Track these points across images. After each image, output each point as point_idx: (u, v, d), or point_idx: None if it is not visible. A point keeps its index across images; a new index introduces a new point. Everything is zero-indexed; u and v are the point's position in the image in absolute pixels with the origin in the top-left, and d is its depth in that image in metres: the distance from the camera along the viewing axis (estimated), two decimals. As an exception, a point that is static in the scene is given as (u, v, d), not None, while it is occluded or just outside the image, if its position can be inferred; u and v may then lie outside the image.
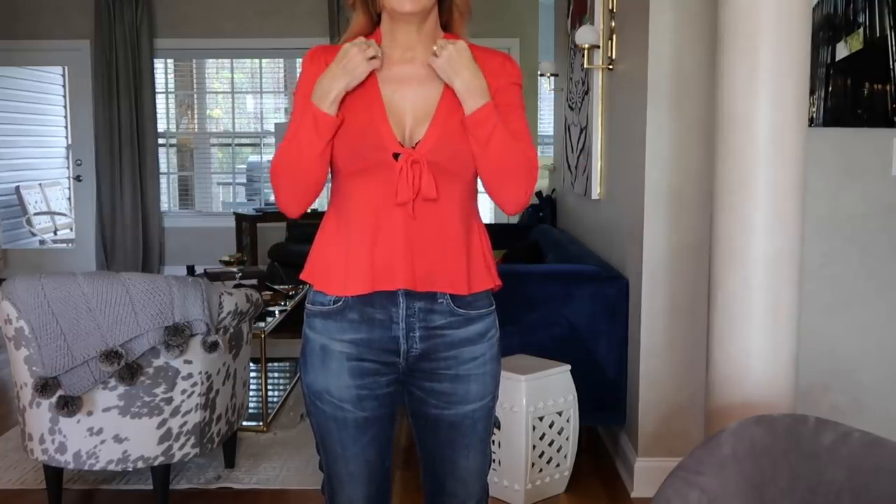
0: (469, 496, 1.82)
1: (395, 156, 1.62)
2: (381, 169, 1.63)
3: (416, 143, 1.64)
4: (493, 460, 3.07)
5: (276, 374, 4.74)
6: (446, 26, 1.73)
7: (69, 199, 8.53)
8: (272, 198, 8.04)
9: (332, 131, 1.62)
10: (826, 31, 2.95)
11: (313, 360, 1.73)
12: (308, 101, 1.64)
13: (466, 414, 1.75)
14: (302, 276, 1.74)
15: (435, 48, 1.64)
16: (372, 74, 1.65)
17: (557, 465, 3.14)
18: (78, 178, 8.04)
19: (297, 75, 1.77)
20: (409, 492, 2.09)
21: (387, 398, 1.74)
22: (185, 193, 8.37)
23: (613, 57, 3.62)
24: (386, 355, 1.71)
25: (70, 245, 8.34)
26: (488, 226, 1.94)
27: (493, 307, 1.79)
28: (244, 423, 3.68)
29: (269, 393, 4.34)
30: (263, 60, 8.10)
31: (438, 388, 1.74)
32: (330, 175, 1.73)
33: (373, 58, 1.63)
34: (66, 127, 8.21)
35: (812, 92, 2.88)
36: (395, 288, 1.67)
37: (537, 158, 1.72)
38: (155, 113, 7.80)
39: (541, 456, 3.07)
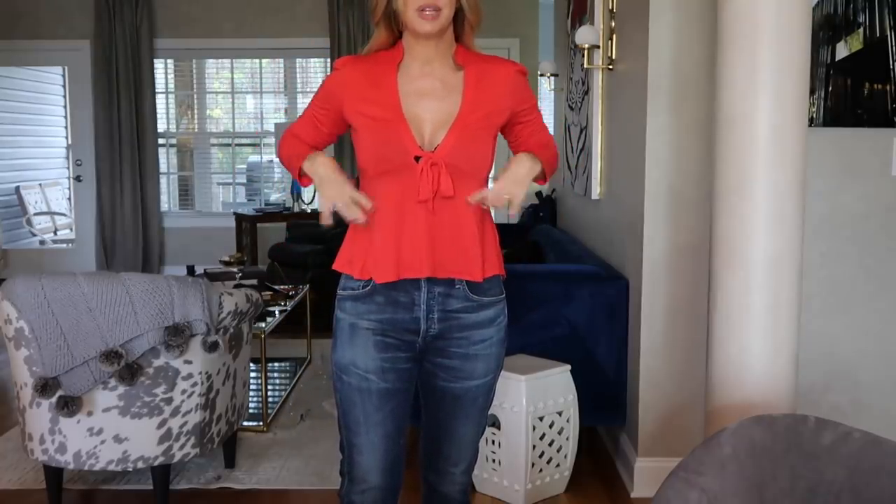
0: (461, 459, 2.03)
1: (417, 158, 1.81)
2: (404, 170, 1.82)
3: (436, 147, 1.83)
4: (493, 460, 3.08)
5: (276, 374, 4.73)
6: (458, 38, 1.91)
7: (69, 199, 8.52)
8: (272, 198, 8.10)
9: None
10: (826, 31, 2.95)
11: (342, 337, 1.92)
12: (319, 109, 1.94)
13: (470, 388, 1.96)
14: (335, 267, 1.94)
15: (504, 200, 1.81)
16: (394, 88, 1.84)
17: (557, 465, 3.14)
18: (78, 178, 8.04)
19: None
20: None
21: (406, 373, 1.92)
22: (185, 193, 8.36)
23: (613, 57, 3.62)
24: (407, 334, 1.90)
25: (70, 245, 8.34)
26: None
27: (504, 295, 1.98)
28: (244, 424, 3.68)
29: (269, 393, 4.33)
30: (263, 60, 8.09)
31: (448, 364, 1.94)
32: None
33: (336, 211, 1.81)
34: (66, 127, 8.20)
35: (812, 92, 2.88)
36: (419, 276, 1.85)
37: (553, 139, 2.01)
38: (155, 113, 7.80)
39: (541, 456, 3.07)
